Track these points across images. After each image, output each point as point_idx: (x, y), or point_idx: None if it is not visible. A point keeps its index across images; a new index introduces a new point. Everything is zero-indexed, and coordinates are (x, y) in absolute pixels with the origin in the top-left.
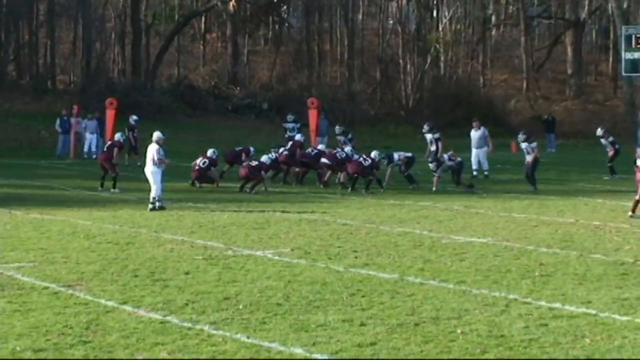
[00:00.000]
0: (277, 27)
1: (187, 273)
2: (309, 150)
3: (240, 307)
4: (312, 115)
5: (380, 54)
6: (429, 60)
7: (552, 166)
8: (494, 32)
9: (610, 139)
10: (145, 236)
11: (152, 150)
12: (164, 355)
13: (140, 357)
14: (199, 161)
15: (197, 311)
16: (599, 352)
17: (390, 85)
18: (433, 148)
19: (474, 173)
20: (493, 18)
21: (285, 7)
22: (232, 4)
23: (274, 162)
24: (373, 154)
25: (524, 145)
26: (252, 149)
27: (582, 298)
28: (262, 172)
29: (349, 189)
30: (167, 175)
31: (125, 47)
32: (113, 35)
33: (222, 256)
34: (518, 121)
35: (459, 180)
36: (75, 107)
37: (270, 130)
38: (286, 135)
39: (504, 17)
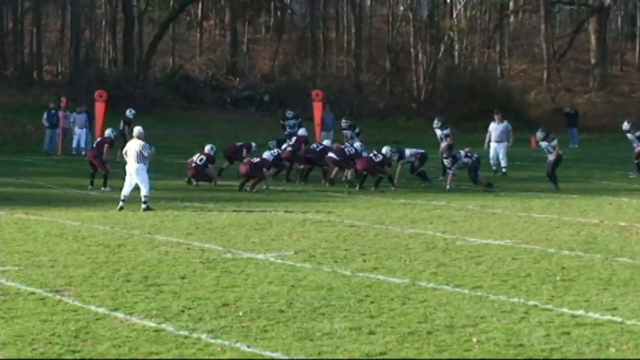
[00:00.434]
0: (279, 13)
1: (183, 277)
2: (314, 145)
3: (240, 314)
4: (317, 108)
5: (390, 42)
6: (442, 49)
7: (575, 163)
8: (512, 18)
9: (637, 133)
10: (138, 238)
11: (136, 147)
12: None
13: None
14: (196, 158)
15: (193, 318)
16: None
17: (400, 76)
18: (444, 144)
19: (494, 168)
20: (511, 4)
21: None
22: None
23: (277, 158)
24: (384, 149)
25: (543, 144)
26: (253, 144)
27: (607, 304)
28: (264, 169)
29: (357, 187)
30: (162, 172)
31: (116, 35)
32: (103, 23)
33: (221, 259)
34: (538, 114)
35: (476, 179)
36: (63, 100)
37: (272, 124)
38: (286, 132)
39: (522, 3)
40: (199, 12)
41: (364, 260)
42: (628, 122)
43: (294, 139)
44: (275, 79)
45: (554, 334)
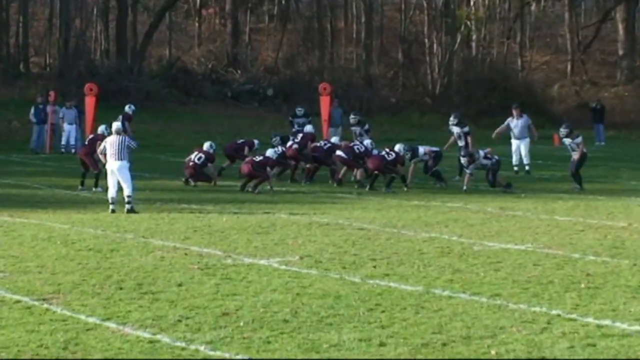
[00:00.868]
0: (283, 1)
1: (180, 285)
2: (321, 143)
3: (241, 324)
4: (324, 102)
5: (403, 32)
6: (458, 40)
7: (601, 161)
8: (533, 7)
9: None
10: (131, 242)
11: (116, 143)
12: None
13: None
14: (194, 156)
15: (191, 329)
16: None
17: (413, 69)
18: (462, 143)
19: (515, 169)
20: None
21: None
22: None
23: (281, 157)
24: (397, 147)
25: (567, 141)
26: (256, 141)
27: (635, 314)
28: (268, 169)
29: (367, 188)
30: (157, 172)
31: (108, 25)
32: (95, 11)
33: (221, 265)
34: (561, 110)
35: (495, 182)
36: (51, 94)
37: (276, 119)
38: (294, 129)
39: None
40: None
41: (375, 266)
42: None
43: (299, 136)
44: (280, 72)
45: (579, 345)
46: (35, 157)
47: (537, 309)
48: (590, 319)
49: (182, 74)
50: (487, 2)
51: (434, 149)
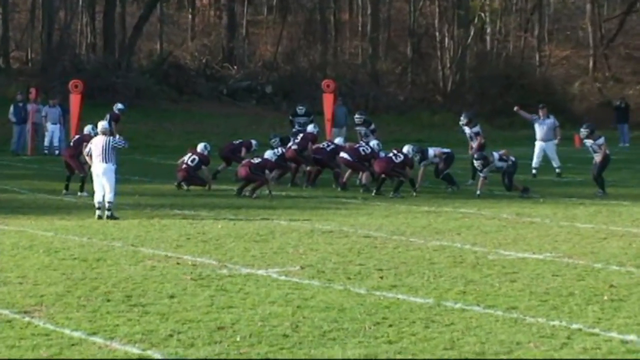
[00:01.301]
0: None
1: (171, 296)
2: (324, 144)
3: (238, 339)
4: (327, 100)
5: (412, 25)
6: (472, 33)
7: (625, 164)
8: None
9: None
10: (119, 251)
11: (102, 144)
12: None
13: None
14: (187, 158)
15: (184, 344)
16: None
17: (423, 64)
18: (474, 144)
19: (534, 172)
20: None
21: None
22: None
23: (281, 159)
24: (406, 148)
25: (588, 142)
26: (253, 142)
27: None
28: (266, 172)
29: (373, 193)
30: (148, 175)
31: (95, 17)
32: (80, 2)
33: (215, 276)
34: (583, 109)
35: (511, 185)
36: (32, 91)
37: (275, 119)
38: (294, 129)
39: None
40: None
41: (381, 277)
42: None
43: (300, 136)
44: (279, 68)
45: None
46: (16, 159)
47: (557, 323)
48: (613, 334)
49: (174, 70)
50: None
51: (445, 150)
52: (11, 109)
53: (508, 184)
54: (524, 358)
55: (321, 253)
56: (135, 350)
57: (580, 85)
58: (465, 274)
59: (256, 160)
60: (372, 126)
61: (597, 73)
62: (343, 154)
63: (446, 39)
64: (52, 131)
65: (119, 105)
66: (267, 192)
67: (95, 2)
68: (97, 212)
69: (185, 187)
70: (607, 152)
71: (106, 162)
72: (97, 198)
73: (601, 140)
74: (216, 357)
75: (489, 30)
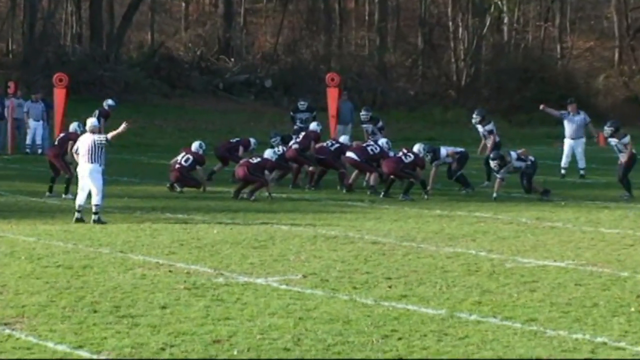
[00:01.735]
0: None
1: (163, 307)
2: (327, 143)
3: (235, 352)
4: (332, 95)
5: (423, 13)
6: (487, 23)
7: None
8: None
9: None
10: (107, 257)
11: (89, 143)
12: None
13: None
14: (181, 157)
15: (176, 358)
16: None
17: (435, 56)
18: (488, 142)
19: (562, 172)
20: None
21: None
22: None
23: (281, 158)
24: (416, 147)
25: (612, 141)
26: (252, 140)
27: None
28: (266, 172)
29: (381, 195)
30: (138, 176)
31: (81, 5)
32: None
33: (211, 285)
34: (607, 104)
35: (530, 187)
36: (11, 85)
37: (275, 115)
38: (295, 127)
39: None
40: None
41: (390, 286)
42: None
43: (302, 135)
44: (280, 60)
45: None
46: None
47: (580, 336)
48: None
49: (166, 63)
50: None
51: (458, 149)
52: None
53: (527, 185)
54: None
55: (325, 260)
56: None
57: (604, 79)
58: (481, 283)
59: (255, 160)
60: (380, 124)
61: (623, 66)
62: (349, 154)
63: (460, 29)
64: (34, 128)
65: (109, 101)
66: (266, 194)
67: None
68: (76, 215)
69: (178, 188)
70: (634, 151)
71: (92, 163)
72: (79, 200)
73: (627, 139)
74: None
75: (506, 19)
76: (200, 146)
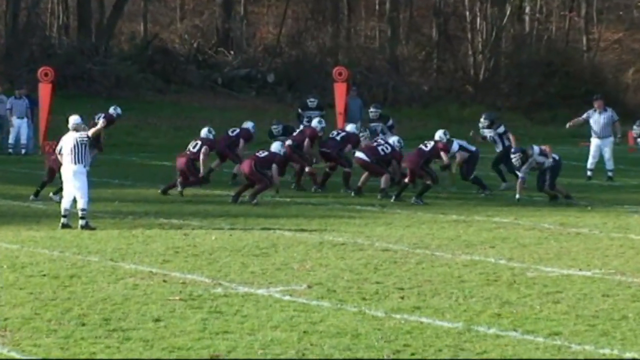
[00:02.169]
0: None
1: (157, 320)
2: (333, 133)
3: None
4: (339, 91)
5: (438, 3)
6: (508, 12)
7: None
8: None
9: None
10: (96, 266)
11: (72, 142)
12: None
13: None
14: (192, 146)
15: None
16: None
17: (451, 49)
18: (498, 148)
19: (589, 173)
20: None
21: None
22: None
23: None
24: (438, 134)
25: None
26: (250, 125)
27: None
28: (273, 169)
29: (392, 198)
30: (130, 178)
31: None
32: None
33: (209, 295)
34: (638, 101)
35: (552, 186)
36: None
37: (279, 112)
38: (302, 126)
39: None
40: None
41: (402, 297)
42: None
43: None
44: (283, 53)
45: None
46: None
47: (607, 351)
48: None
49: (161, 56)
50: None
51: (470, 148)
52: None
53: (550, 183)
54: None
55: (332, 269)
56: None
57: (634, 74)
58: (500, 294)
59: (263, 154)
60: (390, 122)
61: None
62: (359, 154)
63: (478, 19)
64: (18, 127)
65: (118, 109)
66: (275, 191)
67: None
68: (63, 220)
69: (179, 188)
70: None
71: (76, 164)
72: (64, 204)
73: None
74: None
75: (527, 9)
76: (210, 131)
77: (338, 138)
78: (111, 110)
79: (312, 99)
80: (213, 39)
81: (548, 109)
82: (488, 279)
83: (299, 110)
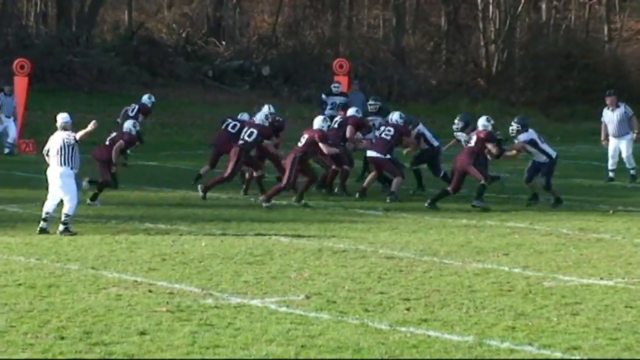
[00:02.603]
0: None
1: (142, 333)
2: (336, 120)
3: None
4: (341, 85)
5: None
6: (523, 0)
7: None
8: None
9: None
10: (77, 275)
11: (60, 142)
12: None
13: None
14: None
15: None
16: None
17: (462, 40)
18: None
19: (610, 174)
20: None
21: None
22: None
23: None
24: (481, 122)
25: None
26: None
27: None
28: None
29: (427, 203)
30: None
31: None
32: None
33: (198, 307)
34: None
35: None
36: None
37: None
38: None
39: None
40: None
41: (408, 309)
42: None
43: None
44: (279, 43)
45: None
46: None
47: None
48: None
49: (147, 47)
50: None
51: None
52: None
53: (546, 182)
54: None
55: (332, 278)
56: None
57: None
58: (515, 305)
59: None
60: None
61: None
62: (371, 153)
63: (490, 7)
64: (5, 126)
65: (152, 97)
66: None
67: None
68: (41, 224)
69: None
70: None
71: (63, 165)
72: (47, 207)
73: None
74: None
75: None
76: (267, 117)
77: (336, 126)
78: (145, 99)
79: (336, 84)
80: (203, 28)
81: (566, 105)
82: (501, 289)
83: (323, 96)
